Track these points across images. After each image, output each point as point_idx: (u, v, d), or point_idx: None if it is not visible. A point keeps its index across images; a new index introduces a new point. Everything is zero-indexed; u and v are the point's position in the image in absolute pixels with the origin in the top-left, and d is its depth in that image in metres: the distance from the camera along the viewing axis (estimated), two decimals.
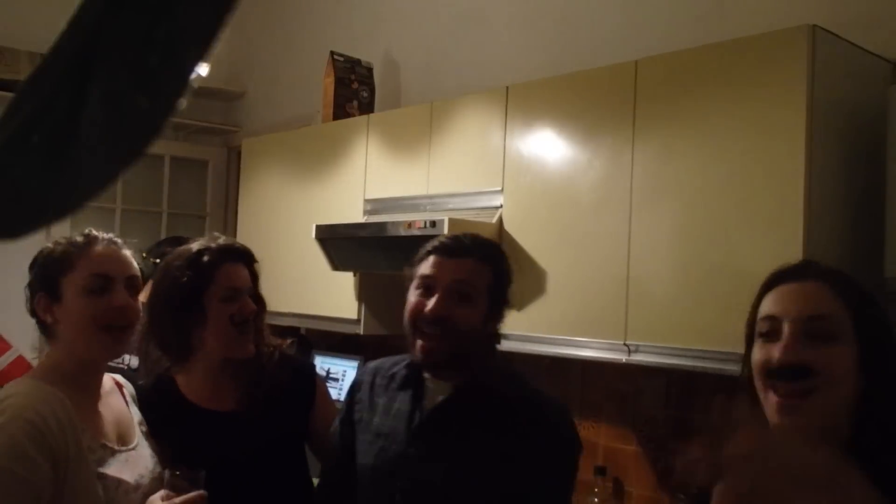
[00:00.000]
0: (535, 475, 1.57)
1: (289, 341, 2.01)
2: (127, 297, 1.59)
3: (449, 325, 1.59)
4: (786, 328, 1.14)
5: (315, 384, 1.95)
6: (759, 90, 1.98)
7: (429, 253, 1.66)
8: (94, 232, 1.62)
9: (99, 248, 1.59)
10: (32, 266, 1.62)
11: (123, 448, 1.59)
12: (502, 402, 1.62)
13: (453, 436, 1.61)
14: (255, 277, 1.87)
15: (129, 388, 1.78)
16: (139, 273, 1.65)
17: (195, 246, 1.81)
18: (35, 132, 0.41)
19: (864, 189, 2.02)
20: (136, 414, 1.73)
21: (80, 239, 1.60)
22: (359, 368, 3.36)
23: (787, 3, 2.30)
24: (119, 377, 1.78)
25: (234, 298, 1.79)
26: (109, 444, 1.56)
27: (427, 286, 1.63)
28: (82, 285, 1.55)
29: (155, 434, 1.76)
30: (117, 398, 1.71)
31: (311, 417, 1.90)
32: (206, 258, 1.78)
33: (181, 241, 3.11)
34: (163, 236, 4.51)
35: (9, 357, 3.84)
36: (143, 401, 1.81)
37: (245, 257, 1.86)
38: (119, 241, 1.65)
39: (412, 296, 1.65)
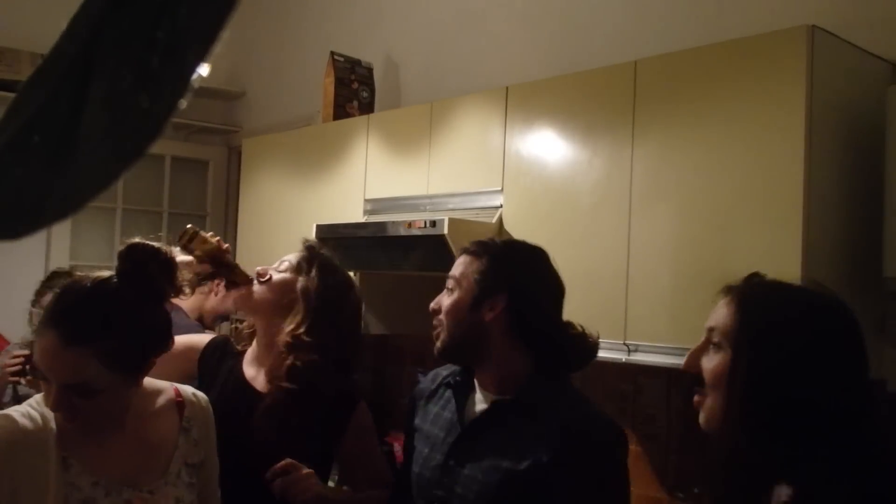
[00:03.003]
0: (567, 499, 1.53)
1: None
2: (59, 403, 1.37)
3: (438, 315, 1.70)
4: None
5: (351, 411, 1.94)
6: (758, 90, 1.98)
7: None
8: (70, 299, 1.42)
9: (44, 339, 1.37)
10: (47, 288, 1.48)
11: (128, 488, 1.45)
12: (543, 423, 1.58)
13: (490, 451, 1.59)
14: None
15: (197, 404, 1.63)
16: (88, 378, 1.38)
17: None
18: (36, 132, 0.41)
19: (864, 189, 2.02)
20: (188, 442, 1.57)
21: (50, 307, 1.43)
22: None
23: (786, 4, 2.30)
24: (189, 391, 1.64)
25: None
26: (104, 483, 1.42)
27: None
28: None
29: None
30: (163, 424, 1.56)
31: (343, 443, 1.92)
32: None
33: None
34: (164, 236, 4.50)
35: None
36: (210, 354, 2.00)
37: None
38: (79, 335, 1.37)
39: None
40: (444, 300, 1.71)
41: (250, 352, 2.00)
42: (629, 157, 2.22)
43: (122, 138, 0.38)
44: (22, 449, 1.37)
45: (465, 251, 1.74)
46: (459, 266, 1.71)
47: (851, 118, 2.02)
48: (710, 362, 1.18)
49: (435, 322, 1.72)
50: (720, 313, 1.19)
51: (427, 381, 1.85)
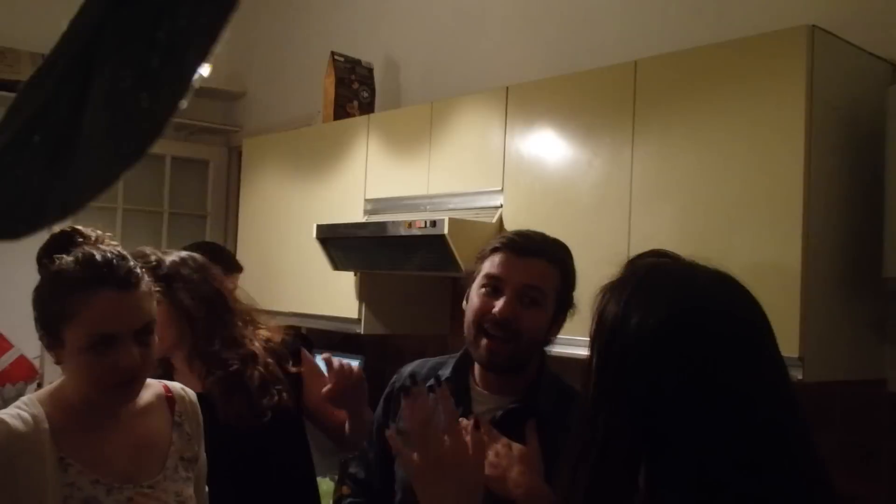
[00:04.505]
0: None
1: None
2: (134, 354, 1.39)
3: (514, 329, 1.52)
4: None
5: (297, 362, 2.01)
6: (758, 90, 1.98)
7: (496, 249, 1.57)
8: (99, 256, 1.40)
9: (102, 299, 1.37)
10: (37, 285, 1.44)
11: (129, 486, 1.45)
12: (554, 429, 1.49)
13: None
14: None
15: (188, 399, 1.63)
16: (153, 316, 1.44)
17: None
18: (37, 132, 0.41)
19: (864, 189, 2.02)
20: (182, 438, 1.58)
21: (82, 274, 1.38)
22: (360, 366, 3.36)
23: (787, 3, 2.30)
24: (178, 386, 1.65)
25: None
26: (105, 481, 1.42)
27: (494, 286, 1.54)
28: (84, 344, 1.38)
29: None
30: (156, 420, 1.56)
31: (304, 395, 1.98)
32: None
33: (213, 246, 3.12)
34: (164, 236, 4.51)
35: (10, 357, 3.84)
36: None
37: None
38: (132, 279, 1.40)
39: (476, 295, 1.56)
40: (524, 314, 1.52)
41: (178, 377, 1.92)
42: (629, 157, 2.22)
43: (122, 138, 0.38)
44: (18, 452, 1.36)
45: (537, 253, 1.55)
46: (542, 276, 1.54)
47: (851, 118, 2.02)
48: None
49: (496, 332, 1.53)
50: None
51: (404, 380, 1.73)
